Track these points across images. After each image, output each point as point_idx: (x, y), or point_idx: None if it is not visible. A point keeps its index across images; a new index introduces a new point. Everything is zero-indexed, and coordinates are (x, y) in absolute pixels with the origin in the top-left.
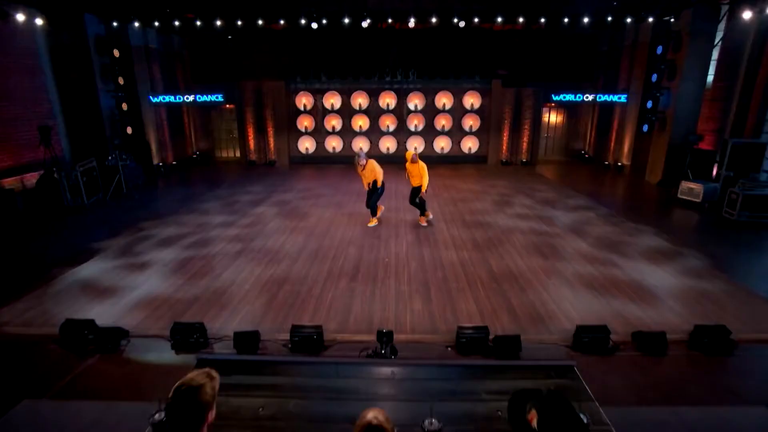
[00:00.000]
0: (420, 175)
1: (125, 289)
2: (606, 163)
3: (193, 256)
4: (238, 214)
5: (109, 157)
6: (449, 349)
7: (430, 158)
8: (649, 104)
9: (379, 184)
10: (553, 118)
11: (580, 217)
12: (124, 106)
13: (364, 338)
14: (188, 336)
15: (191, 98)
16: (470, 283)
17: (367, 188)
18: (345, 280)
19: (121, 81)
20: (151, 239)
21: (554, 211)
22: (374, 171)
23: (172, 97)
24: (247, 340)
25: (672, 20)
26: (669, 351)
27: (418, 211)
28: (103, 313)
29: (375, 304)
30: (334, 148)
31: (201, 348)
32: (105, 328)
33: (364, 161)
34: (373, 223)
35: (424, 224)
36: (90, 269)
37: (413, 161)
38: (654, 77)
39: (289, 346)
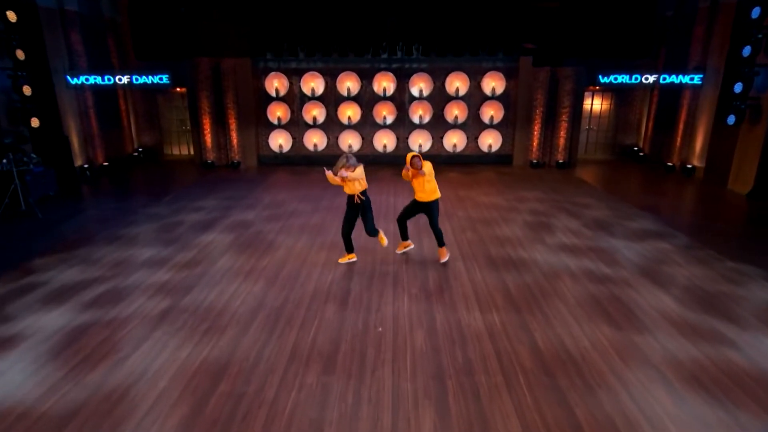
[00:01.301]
0: (430, 186)
1: None
2: (669, 164)
3: (92, 322)
4: (177, 244)
5: (3, 161)
6: None
7: (438, 158)
8: (738, 87)
9: (365, 185)
10: (597, 105)
11: (652, 251)
12: (27, 90)
13: None
14: None
15: (125, 79)
16: (507, 374)
17: (357, 201)
18: (316, 368)
19: (20, 55)
20: (37, 290)
21: (612, 240)
22: (362, 177)
23: (99, 78)
24: None
25: None
26: None
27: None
28: None
29: (360, 418)
30: (315, 145)
31: None
32: None
33: (347, 166)
34: (349, 258)
35: (445, 260)
36: None
37: (417, 167)
38: (746, 51)
39: None
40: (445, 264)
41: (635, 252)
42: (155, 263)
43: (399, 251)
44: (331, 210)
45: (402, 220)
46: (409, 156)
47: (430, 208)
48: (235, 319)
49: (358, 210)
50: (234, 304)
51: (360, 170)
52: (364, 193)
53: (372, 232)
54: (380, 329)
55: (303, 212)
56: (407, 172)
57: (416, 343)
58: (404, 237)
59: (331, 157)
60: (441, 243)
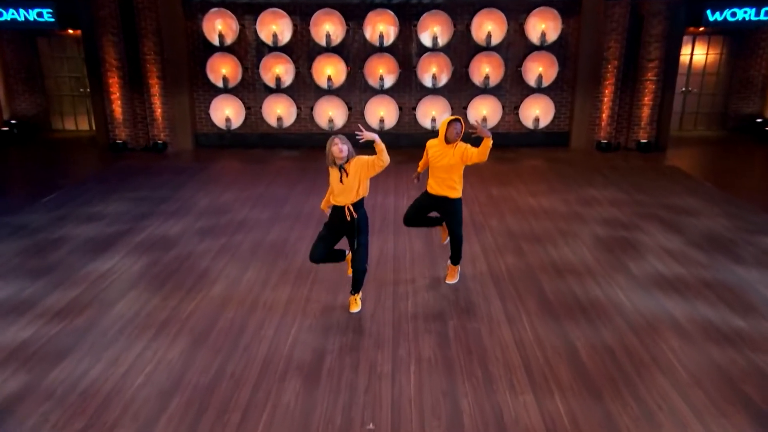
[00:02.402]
0: (457, 170)
1: None
2: None
3: None
4: (52, 277)
5: None
6: None
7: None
8: None
9: (366, 193)
10: (700, 56)
11: None
12: None
13: None
14: None
15: None
16: None
17: (350, 217)
18: None
19: None
20: None
21: (739, 269)
22: (363, 173)
23: None
24: None
25: None
26: None
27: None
28: None
29: None
30: (279, 119)
31: None
32: None
33: (346, 151)
34: (356, 308)
35: (454, 281)
36: None
37: (449, 139)
38: None
39: None
40: (472, 309)
41: None
42: (11, 310)
43: (445, 241)
44: (299, 219)
45: (414, 222)
46: (443, 125)
47: (453, 209)
48: (131, 411)
49: (346, 230)
50: (132, 382)
51: (362, 163)
52: (360, 203)
53: (363, 265)
54: (372, 427)
55: (257, 223)
56: (436, 155)
57: None
58: (437, 223)
59: (301, 137)
60: (457, 259)
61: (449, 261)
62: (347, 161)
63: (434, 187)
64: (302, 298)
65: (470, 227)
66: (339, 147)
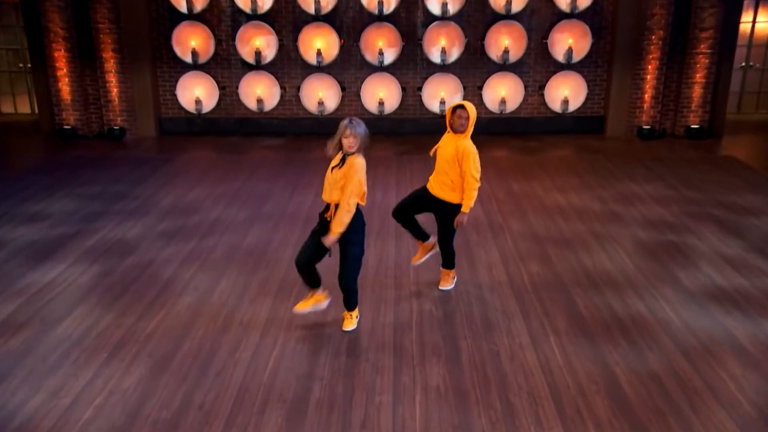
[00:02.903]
0: (457, 168)
1: None
2: None
3: None
4: None
5: None
6: None
7: (476, 125)
8: None
9: (363, 202)
10: (763, 25)
11: None
12: None
13: None
14: None
15: None
16: None
17: (329, 219)
18: None
19: None
20: None
21: None
22: (361, 175)
23: None
24: None
25: None
26: None
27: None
28: None
29: None
30: (259, 101)
31: None
32: None
33: (356, 147)
34: (351, 326)
35: (448, 287)
36: None
37: (455, 128)
38: None
39: None
40: (489, 327)
41: None
42: None
43: (416, 262)
44: (282, 220)
45: (403, 216)
46: (449, 110)
47: (449, 216)
48: None
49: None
50: (79, 416)
51: (358, 166)
52: (357, 214)
53: (350, 284)
54: None
55: (232, 224)
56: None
57: None
58: (419, 235)
59: (287, 124)
60: (450, 264)
61: (441, 264)
62: (353, 153)
63: (433, 186)
64: (286, 314)
65: (486, 229)
66: (350, 142)
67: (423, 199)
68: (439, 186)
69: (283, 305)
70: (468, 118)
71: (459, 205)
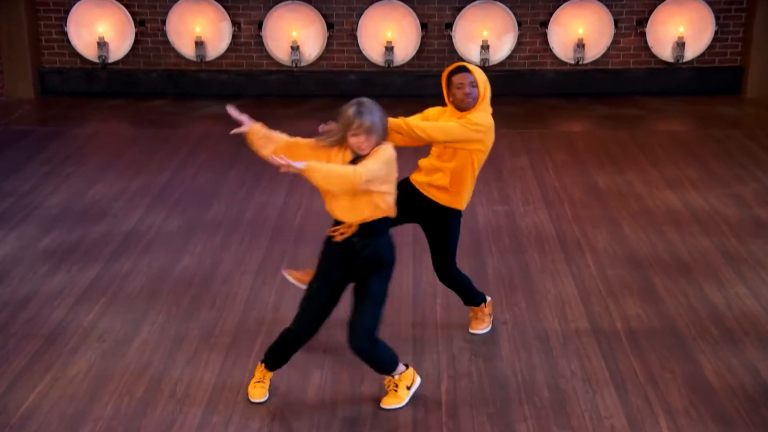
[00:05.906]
0: (453, 156)
1: None
2: None
3: None
4: None
5: None
6: None
7: (535, 79)
8: None
9: (393, 213)
10: None
11: None
12: None
13: None
14: None
15: None
16: None
17: (356, 249)
18: None
19: None
20: None
21: None
22: (392, 179)
23: None
24: None
25: None
26: None
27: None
28: None
29: None
30: (198, 44)
31: None
32: None
33: (368, 137)
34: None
35: (483, 329)
36: None
37: (463, 104)
38: None
39: None
40: (559, 401)
41: None
42: None
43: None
44: (236, 231)
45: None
46: (444, 74)
47: (441, 224)
48: None
49: (352, 272)
50: None
51: (387, 153)
52: (380, 226)
53: (373, 336)
54: None
55: (157, 238)
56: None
57: None
58: (472, 300)
59: (243, 81)
60: (474, 300)
61: (465, 304)
62: (370, 138)
63: (418, 178)
64: (242, 378)
65: (555, 247)
66: (360, 141)
67: (404, 197)
68: (428, 180)
69: (237, 366)
70: (477, 86)
71: (455, 212)
